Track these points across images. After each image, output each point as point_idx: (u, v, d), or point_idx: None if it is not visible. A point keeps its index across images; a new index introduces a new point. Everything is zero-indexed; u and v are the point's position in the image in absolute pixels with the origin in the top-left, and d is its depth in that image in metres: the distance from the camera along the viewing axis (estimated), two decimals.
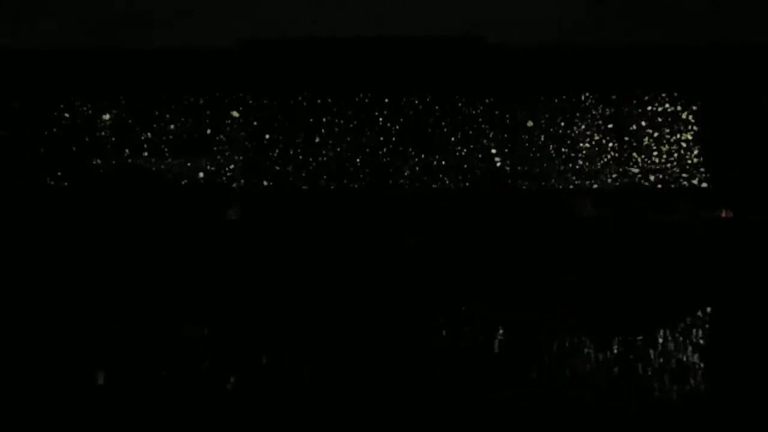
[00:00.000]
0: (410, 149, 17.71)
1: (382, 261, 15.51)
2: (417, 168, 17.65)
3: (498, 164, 17.56)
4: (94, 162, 18.05)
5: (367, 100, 17.83)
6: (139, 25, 19.37)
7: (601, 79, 17.71)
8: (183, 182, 17.87)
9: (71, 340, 10.33)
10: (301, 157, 17.85)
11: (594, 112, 17.59)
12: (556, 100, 17.65)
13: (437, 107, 17.73)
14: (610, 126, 17.55)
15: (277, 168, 17.83)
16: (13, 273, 15.43)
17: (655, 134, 17.47)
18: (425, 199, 17.38)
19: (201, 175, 17.92)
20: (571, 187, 17.40)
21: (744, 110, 17.44)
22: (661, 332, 10.89)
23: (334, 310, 12.73)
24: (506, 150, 17.62)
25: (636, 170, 17.45)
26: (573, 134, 17.55)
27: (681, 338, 10.69)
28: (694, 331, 11.33)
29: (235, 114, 18.05)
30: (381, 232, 16.01)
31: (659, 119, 17.49)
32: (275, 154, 17.88)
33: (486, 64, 17.81)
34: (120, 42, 19.12)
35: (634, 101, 17.56)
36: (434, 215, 16.84)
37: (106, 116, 18.18)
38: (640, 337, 10.49)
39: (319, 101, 17.89)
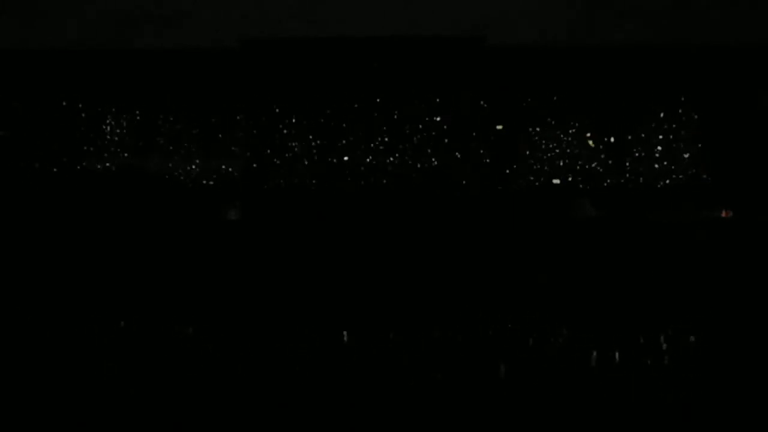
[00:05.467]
0: (410, 149, 17.71)
1: (381, 260, 15.51)
2: (417, 167, 17.65)
3: (497, 164, 17.56)
4: (95, 162, 18.05)
5: (367, 100, 17.83)
6: (139, 26, 19.38)
7: (601, 80, 17.73)
8: (183, 182, 17.88)
9: (71, 340, 10.34)
10: (301, 156, 17.85)
11: (594, 112, 17.59)
12: (555, 100, 17.66)
13: (437, 107, 17.73)
14: (610, 126, 17.56)
15: (278, 168, 17.84)
16: (13, 272, 15.42)
17: (655, 134, 17.48)
18: (425, 198, 17.38)
19: (201, 175, 17.92)
20: (572, 187, 17.41)
21: (743, 110, 17.45)
22: (661, 332, 10.89)
23: (334, 310, 12.74)
24: (506, 150, 17.62)
25: (636, 170, 17.45)
26: (573, 134, 17.55)
27: (681, 338, 10.70)
28: (694, 330, 11.32)
29: (236, 114, 18.05)
30: (380, 231, 16.00)
31: (659, 119, 17.50)
32: (276, 154, 17.88)
33: (486, 64, 17.81)
34: (120, 42, 19.13)
35: (634, 101, 17.57)
36: (434, 215, 16.84)
37: (107, 116, 18.18)
38: (640, 337, 10.49)
39: (318, 101, 17.90)
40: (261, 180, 17.79)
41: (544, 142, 17.54)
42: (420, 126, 17.74)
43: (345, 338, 10.68)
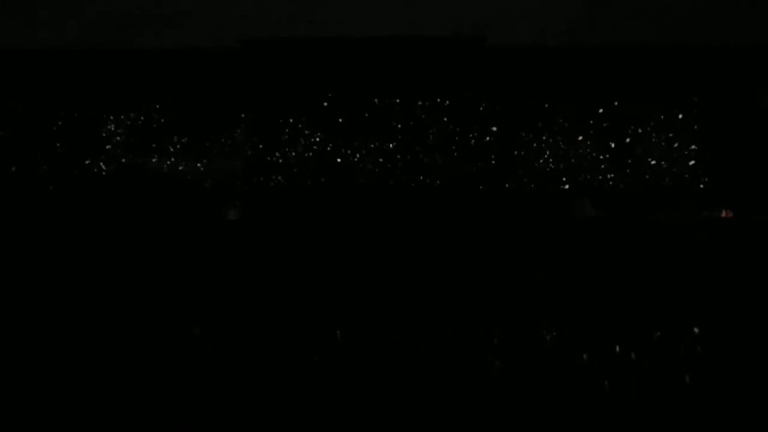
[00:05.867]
0: (410, 149, 17.72)
1: (381, 260, 15.51)
2: (416, 167, 17.66)
3: (497, 164, 17.56)
4: (94, 162, 18.06)
5: (367, 100, 17.84)
6: (139, 26, 19.37)
7: (601, 80, 17.73)
8: (183, 182, 17.88)
9: (71, 341, 10.34)
10: (301, 156, 17.85)
11: (593, 112, 17.59)
12: (555, 100, 17.66)
13: (437, 107, 17.73)
14: (609, 126, 17.56)
15: (278, 168, 17.84)
16: (13, 273, 15.43)
17: (655, 134, 17.48)
18: (425, 198, 17.39)
19: (201, 175, 17.92)
20: (571, 187, 17.41)
21: (743, 110, 17.45)
22: (661, 333, 10.90)
23: (333, 310, 12.74)
24: (506, 150, 17.63)
25: (636, 170, 17.45)
26: (572, 134, 17.56)
27: (681, 339, 10.70)
28: (694, 331, 11.33)
29: (236, 114, 18.06)
30: (379, 230, 16.01)
31: (659, 119, 17.50)
32: (276, 154, 17.88)
33: (486, 64, 17.81)
34: (120, 42, 19.13)
35: (634, 101, 17.57)
36: (434, 214, 16.84)
37: (106, 116, 18.19)
38: (640, 337, 10.50)
39: (318, 101, 17.90)
40: (261, 180, 17.79)
41: (543, 142, 17.54)
42: (420, 126, 17.74)
43: (345, 338, 10.68)
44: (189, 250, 15.79)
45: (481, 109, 17.65)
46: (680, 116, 17.46)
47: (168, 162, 17.95)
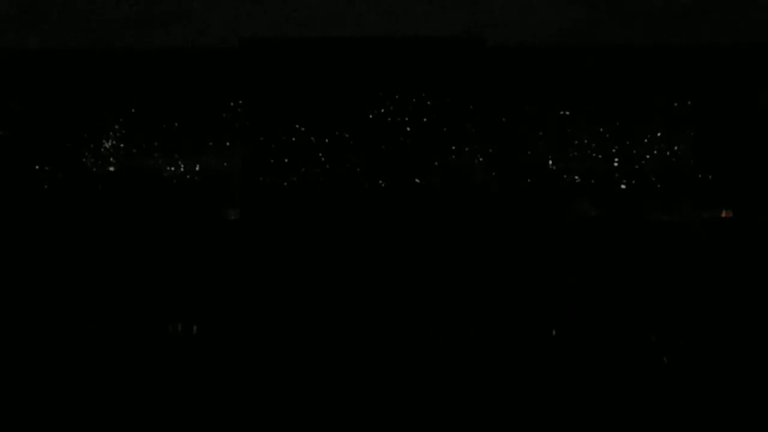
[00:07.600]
0: (410, 148, 17.71)
1: (381, 259, 15.49)
2: (416, 167, 17.65)
3: (498, 164, 17.55)
4: (94, 162, 18.04)
5: (367, 100, 17.82)
6: (140, 26, 19.38)
7: (601, 80, 17.72)
8: (183, 182, 17.87)
9: (71, 338, 10.31)
10: (300, 156, 17.84)
11: (593, 112, 17.58)
12: (555, 100, 17.65)
13: (436, 107, 17.72)
14: (610, 126, 17.56)
15: (277, 167, 17.83)
16: (12, 272, 15.41)
17: (656, 134, 17.48)
18: (425, 197, 17.37)
19: (201, 175, 17.91)
20: (571, 186, 17.40)
21: (743, 110, 17.44)
22: (661, 331, 10.88)
23: (333, 309, 12.71)
24: (506, 150, 17.61)
25: (636, 170, 17.44)
26: (572, 134, 17.55)
27: (680, 337, 10.68)
28: (694, 330, 11.31)
29: (235, 113, 18.04)
30: (380, 230, 15.99)
31: (658, 119, 17.49)
32: (275, 153, 17.87)
33: (486, 64, 17.80)
34: (120, 42, 19.13)
35: (634, 101, 17.56)
36: (434, 214, 16.82)
37: (106, 116, 18.17)
38: (640, 336, 10.47)
39: (318, 101, 17.89)
40: (261, 180, 17.77)
41: (544, 141, 17.54)
42: (419, 126, 17.73)
43: (345, 337, 10.66)
44: (189, 250, 15.77)
45: (480, 109, 17.64)
46: (680, 116, 17.45)
47: (168, 162, 17.93)
